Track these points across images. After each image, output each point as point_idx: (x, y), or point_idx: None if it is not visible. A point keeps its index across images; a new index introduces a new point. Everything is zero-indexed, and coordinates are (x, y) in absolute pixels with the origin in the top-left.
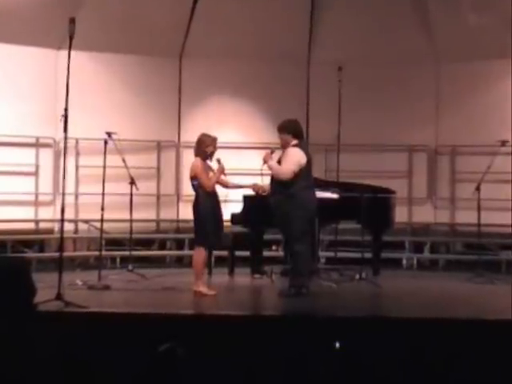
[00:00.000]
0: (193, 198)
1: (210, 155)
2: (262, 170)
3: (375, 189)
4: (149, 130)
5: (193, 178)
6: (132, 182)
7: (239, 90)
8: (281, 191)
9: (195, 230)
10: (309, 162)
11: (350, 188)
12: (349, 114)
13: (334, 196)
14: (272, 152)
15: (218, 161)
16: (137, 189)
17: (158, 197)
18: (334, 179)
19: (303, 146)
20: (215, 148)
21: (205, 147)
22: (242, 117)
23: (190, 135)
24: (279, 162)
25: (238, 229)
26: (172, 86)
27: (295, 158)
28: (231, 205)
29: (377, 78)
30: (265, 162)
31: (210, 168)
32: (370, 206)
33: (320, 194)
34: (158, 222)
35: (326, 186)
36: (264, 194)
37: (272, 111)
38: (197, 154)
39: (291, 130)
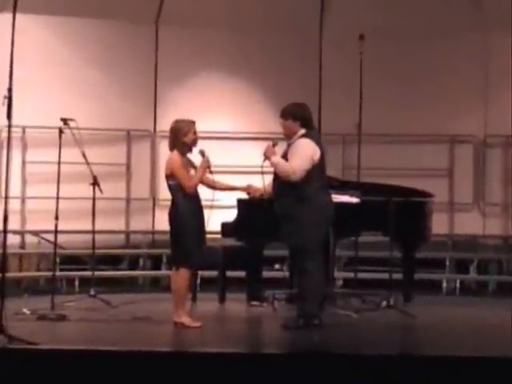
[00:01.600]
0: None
1: (190, 146)
2: (262, 167)
3: (407, 191)
4: (116, 116)
5: (169, 176)
6: (95, 183)
7: (232, 66)
8: (288, 194)
9: (173, 244)
10: (322, 156)
11: (375, 190)
12: (372, 97)
13: (354, 200)
14: (275, 144)
15: (202, 153)
16: (101, 192)
17: (129, 201)
18: (354, 178)
19: (314, 136)
20: (196, 136)
21: (182, 136)
22: (235, 100)
23: (169, 123)
24: (285, 157)
25: (231, 242)
26: (146, 59)
27: (306, 151)
28: (221, 212)
29: (407, 53)
30: (266, 157)
31: (191, 163)
32: (400, 213)
33: (336, 198)
34: (127, 233)
35: (343, 187)
36: (263, 197)
37: (274, 92)
38: (173, 147)
39: (298, 116)
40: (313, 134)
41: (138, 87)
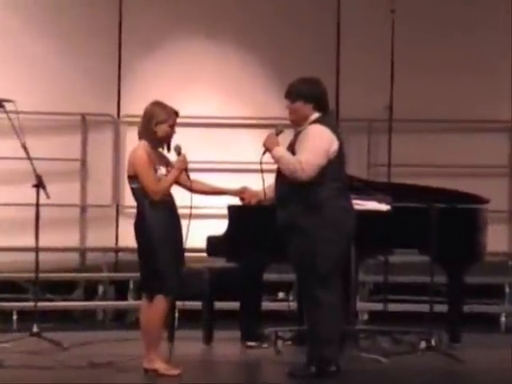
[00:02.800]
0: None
1: (164, 139)
2: (261, 162)
3: (453, 195)
4: (69, 97)
5: (131, 176)
6: (39, 185)
7: (221, 29)
8: (296, 199)
9: (143, 266)
10: (341, 148)
11: (410, 194)
12: (406, 70)
13: (384, 207)
14: (279, 133)
15: (177, 150)
16: (47, 196)
17: (84, 209)
18: (383, 178)
19: (330, 122)
20: (171, 130)
21: (154, 124)
22: (225, 74)
23: (137, 105)
24: (291, 149)
25: (220, 263)
26: (107, 20)
27: (319, 142)
28: (206, 222)
29: (449, 15)
30: (267, 149)
31: (164, 160)
32: (444, 224)
33: (359, 205)
34: (83, 251)
35: (368, 189)
36: (263, 203)
37: (277, 64)
38: (142, 136)
39: (310, 96)
40: (329, 119)
41: (97, 60)
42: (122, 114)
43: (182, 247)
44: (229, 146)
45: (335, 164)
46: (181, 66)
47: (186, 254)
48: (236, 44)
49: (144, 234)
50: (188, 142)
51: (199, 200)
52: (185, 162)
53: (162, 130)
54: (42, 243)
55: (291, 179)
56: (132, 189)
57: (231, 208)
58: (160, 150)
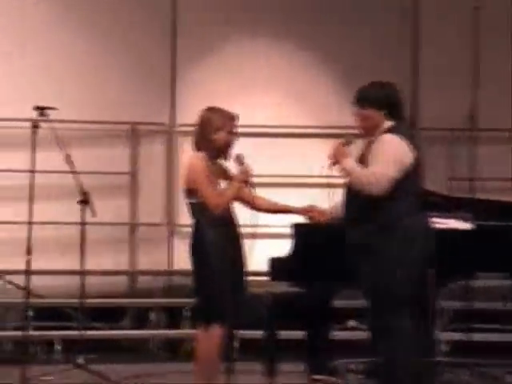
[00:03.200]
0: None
1: (224, 148)
2: (327, 176)
3: None
4: (117, 104)
5: (189, 190)
6: (84, 201)
7: (282, 27)
8: (368, 217)
9: (198, 291)
10: (418, 161)
11: (496, 211)
12: (491, 74)
13: (466, 226)
14: (347, 143)
15: (239, 159)
16: (93, 213)
17: (134, 228)
18: (465, 193)
19: (406, 131)
20: (230, 136)
21: (211, 132)
22: (287, 77)
23: (192, 114)
24: (362, 161)
25: (283, 288)
26: (160, 24)
27: (394, 152)
28: (269, 243)
29: None
30: (335, 161)
31: (224, 173)
32: None
33: (439, 223)
34: (132, 274)
35: (449, 206)
36: (329, 221)
37: (346, 68)
38: (198, 147)
39: (384, 103)
40: (403, 128)
41: (149, 65)
42: (176, 122)
43: (242, 270)
44: (290, 157)
45: (411, 177)
46: (236, 70)
47: (247, 278)
48: (298, 44)
49: (201, 254)
50: (246, 154)
51: (261, 218)
52: (247, 173)
53: (221, 137)
54: (89, 266)
55: (363, 193)
56: (190, 204)
57: (297, 226)
58: (219, 161)
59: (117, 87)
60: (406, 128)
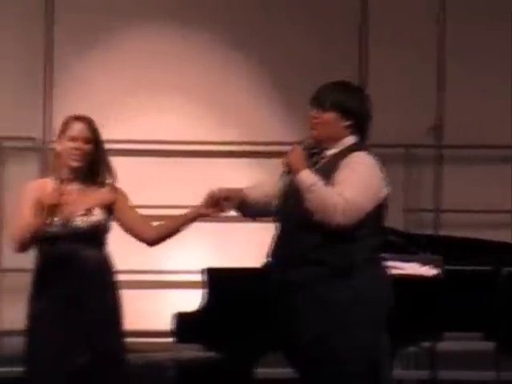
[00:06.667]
0: None
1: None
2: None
3: None
4: None
5: None
6: None
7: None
8: (318, 255)
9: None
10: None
11: (468, 251)
12: (457, 81)
13: (430, 272)
14: (307, 147)
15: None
16: None
17: None
18: (429, 230)
19: (372, 153)
20: (69, 145)
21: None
22: (198, 74)
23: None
24: (325, 181)
25: (192, 353)
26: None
27: (371, 180)
28: (173, 294)
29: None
30: (291, 169)
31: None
32: None
33: (397, 269)
34: None
35: (410, 246)
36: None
37: (281, 72)
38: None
39: (351, 110)
40: (368, 149)
41: (15, 68)
42: (47, 138)
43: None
44: (197, 182)
45: (379, 213)
46: (131, 67)
47: (144, 340)
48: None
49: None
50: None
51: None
52: (57, 191)
53: (62, 145)
54: None
55: (318, 220)
56: None
57: (210, 272)
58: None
59: None
60: (369, 148)
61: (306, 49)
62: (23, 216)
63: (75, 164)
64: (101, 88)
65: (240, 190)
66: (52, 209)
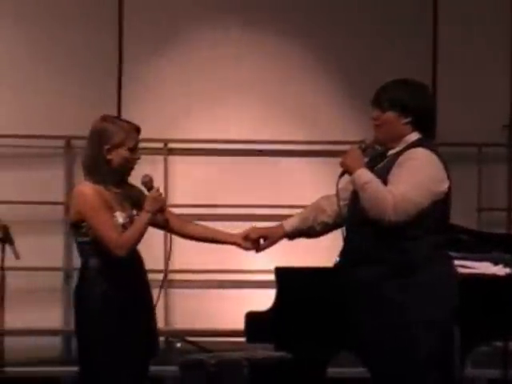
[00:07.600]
0: None
1: (120, 171)
2: (337, 194)
3: None
4: (50, 117)
5: (76, 226)
6: (4, 239)
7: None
8: (381, 254)
9: (80, 363)
10: (450, 190)
11: None
12: None
13: (501, 272)
14: (366, 148)
15: (146, 183)
16: (16, 256)
17: (70, 275)
18: (502, 228)
19: (437, 150)
20: (132, 156)
21: (106, 150)
22: (270, 79)
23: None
24: (383, 180)
25: (264, 353)
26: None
27: (426, 175)
28: (244, 293)
29: None
30: (347, 169)
31: (134, 200)
32: None
33: (467, 268)
34: (68, 334)
35: (480, 246)
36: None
37: (351, 78)
38: (88, 170)
39: (409, 107)
40: (434, 145)
41: (91, 70)
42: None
43: (150, 334)
44: (275, 182)
45: (441, 210)
46: (194, 72)
47: (212, 340)
48: (285, 35)
49: (83, 312)
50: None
51: (230, 262)
52: (159, 199)
53: (119, 156)
54: (10, 323)
55: (375, 220)
56: (77, 243)
57: (280, 271)
58: (127, 186)
59: (49, 98)
60: (434, 145)
61: (375, 48)
62: (113, 224)
63: (130, 173)
64: (170, 93)
65: (279, 226)
66: (162, 212)
